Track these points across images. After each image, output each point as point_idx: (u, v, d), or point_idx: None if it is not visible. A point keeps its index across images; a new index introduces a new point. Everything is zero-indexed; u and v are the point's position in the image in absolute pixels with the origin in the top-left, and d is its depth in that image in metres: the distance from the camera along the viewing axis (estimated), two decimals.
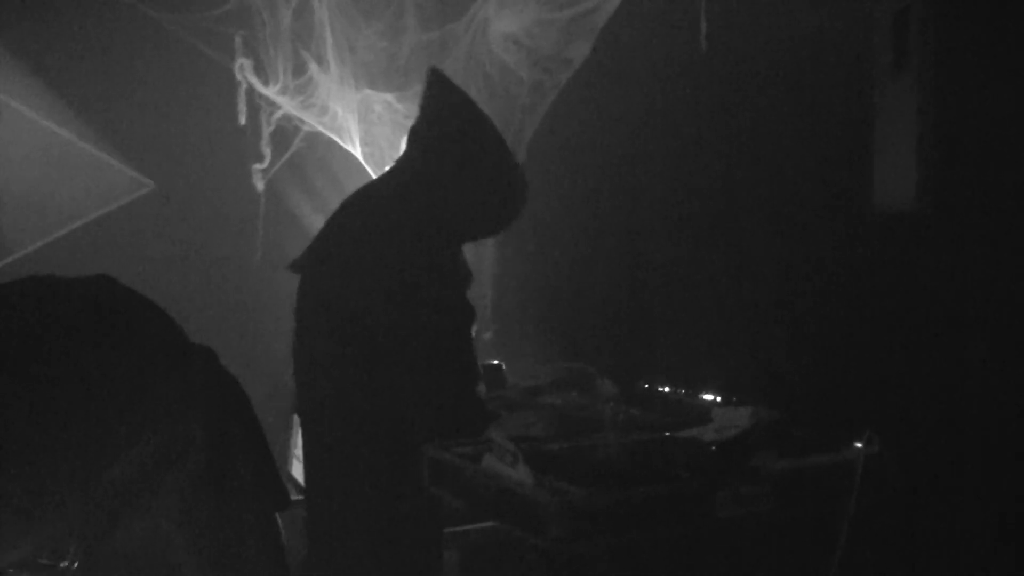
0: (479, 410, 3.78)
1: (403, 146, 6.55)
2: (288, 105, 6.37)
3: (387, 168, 4.43)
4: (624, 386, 4.66)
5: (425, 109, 3.89)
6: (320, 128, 6.41)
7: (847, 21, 3.97)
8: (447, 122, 3.87)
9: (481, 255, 6.11)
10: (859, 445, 3.42)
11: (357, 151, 6.36)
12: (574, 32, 5.49)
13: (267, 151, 6.53)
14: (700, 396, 4.34)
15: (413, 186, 3.80)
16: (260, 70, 6.39)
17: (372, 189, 4.11)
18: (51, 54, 6.51)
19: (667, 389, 4.54)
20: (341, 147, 6.45)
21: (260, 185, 6.60)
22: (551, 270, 5.83)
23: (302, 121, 6.42)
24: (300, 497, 4.18)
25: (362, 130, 6.31)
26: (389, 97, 6.22)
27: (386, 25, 6.12)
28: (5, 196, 6.58)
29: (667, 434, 3.70)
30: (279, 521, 3.01)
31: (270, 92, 6.37)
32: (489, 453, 3.35)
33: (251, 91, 6.45)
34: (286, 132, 6.51)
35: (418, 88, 6.18)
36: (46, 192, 6.66)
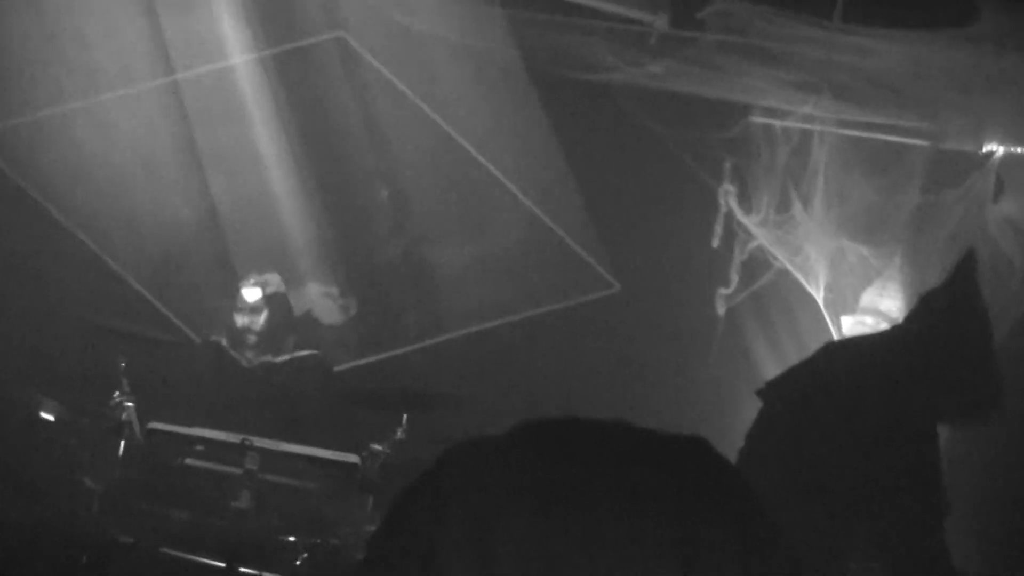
0: None
1: (863, 299, 6.46)
2: (764, 238, 6.40)
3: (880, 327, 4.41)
4: None
5: (949, 284, 3.93)
6: (789, 267, 6.40)
7: None
8: (965, 304, 3.89)
9: None
10: None
11: (820, 296, 6.31)
12: None
13: (734, 278, 6.56)
14: None
15: (917, 351, 3.84)
16: (744, 198, 6.46)
17: (870, 340, 4.21)
18: (556, 137, 6.70)
19: None
20: (805, 289, 6.39)
21: (721, 310, 6.61)
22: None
23: (774, 256, 6.42)
24: None
25: (830, 277, 6.26)
26: (866, 251, 6.16)
27: (885, 181, 6.06)
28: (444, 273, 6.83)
29: None
30: None
31: (749, 221, 6.43)
32: None
33: (730, 216, 6.52)
34: (756, 263, 6.54)
35: (896, 247, 6.12)
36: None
